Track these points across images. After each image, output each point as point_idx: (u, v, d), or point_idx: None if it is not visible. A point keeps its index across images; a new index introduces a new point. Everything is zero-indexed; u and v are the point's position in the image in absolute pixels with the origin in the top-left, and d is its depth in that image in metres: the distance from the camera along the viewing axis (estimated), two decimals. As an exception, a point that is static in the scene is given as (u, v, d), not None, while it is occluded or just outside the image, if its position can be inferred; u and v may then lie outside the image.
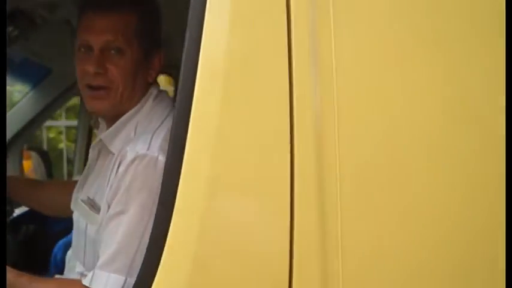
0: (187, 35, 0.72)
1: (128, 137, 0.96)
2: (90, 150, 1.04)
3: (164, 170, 0.72)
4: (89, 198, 0.99)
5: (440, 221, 0.72)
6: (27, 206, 1.44)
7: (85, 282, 0.87)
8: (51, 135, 4.81)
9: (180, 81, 0.72)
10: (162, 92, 1.03)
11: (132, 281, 0.79)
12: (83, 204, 0.99)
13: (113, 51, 0.95)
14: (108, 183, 0.92)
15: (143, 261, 0.72)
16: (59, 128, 4.70)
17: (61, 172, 4.34)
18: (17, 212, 1.50)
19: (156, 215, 0.71)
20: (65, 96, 1.94)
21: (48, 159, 2.07)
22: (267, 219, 0.71)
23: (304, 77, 0.71)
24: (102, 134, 1.00)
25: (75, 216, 1.03)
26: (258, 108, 0.71)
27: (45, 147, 4.18)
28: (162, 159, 0.85)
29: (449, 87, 0.73)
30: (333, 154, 0.70)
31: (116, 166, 0.91)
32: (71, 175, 2.58)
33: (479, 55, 0.74)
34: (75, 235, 1.02)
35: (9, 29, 1.44)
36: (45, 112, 1.88)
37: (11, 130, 1.83)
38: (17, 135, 1.84)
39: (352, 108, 0.71)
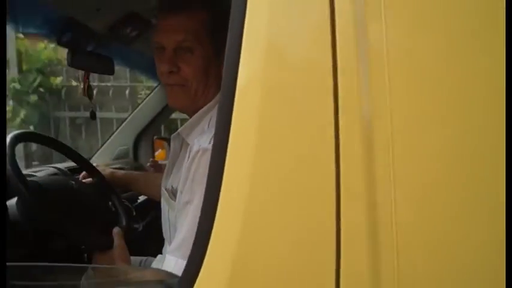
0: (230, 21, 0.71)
1: (203, 130, 1.00)
2: (171, 141, 1.11)
3: (209, 165, 0.72)
4: (172, 187, 1.06)
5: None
6: (147, 196, 1.58)
7: (161, 264, 0.95)
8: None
9: (224, 78, 0.72)
10: None
11: None
12: (166, 192, 1.07)
13: (184, 50, 0.99)
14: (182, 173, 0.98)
15: (191, 251, 0.72)
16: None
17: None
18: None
19: (202, 209, 0.72)
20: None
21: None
22: (311, 221, 0.66)
23: (351, 74, 0.64)
24: (181, 127, 1.06)
25: (162, 202, 1.12)
26: (299, 109, 0.66)
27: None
28: None
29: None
30: (385, 159, 0.62)
31: (187, 157, 0.96)
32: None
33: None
34: (162, 220, 1.11)
35: (128, 29, 1.60)
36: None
37: (142, 121, 2.04)
38: (148, 126, 2.03)
39: (409, 108, 0.63)
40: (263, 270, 0.67)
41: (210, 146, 0.89)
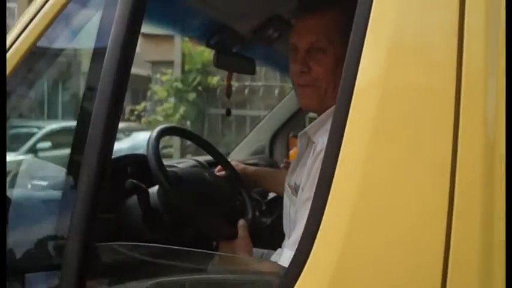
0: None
1: (328, 129, 1.00)
2: (298, 139, 1.13)
3: (322, 163, 0.72)
4: (295, 183, 1.08)
5: None
6: (273, 192, 1.62)
7: (278, 258, 0.97)
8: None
9: (343, 76, 0.71)
10: None
11: None
12: (289, 188, 1.09)
13: (316, 51, 1.00)
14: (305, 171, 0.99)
15: (298, 245, 0.73)
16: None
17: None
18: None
19: (311, 205, 0.73)
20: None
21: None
22: (420, 223, 0.63)
23: (477, 77, 0.60)
24: (308, 126, 1.07)
25: (284, 198, 1.14)
26: (418, 112, 0.64)
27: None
28: None
29: None
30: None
31: (311, 155, 0.97)
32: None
33: None
34: (283, 215, 1.14)
35: (270, 31, 1.65)
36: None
37: (279, 120, 2.10)
38: (284, 124, 2.09)
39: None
40: (366, 273, 0.66)
41: None
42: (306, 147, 1.11)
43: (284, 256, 0.93)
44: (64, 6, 0.99)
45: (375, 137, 0.66)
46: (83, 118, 0.95)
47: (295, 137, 2.21)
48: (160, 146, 1.22)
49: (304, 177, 0.98)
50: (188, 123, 6.51)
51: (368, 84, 0.68)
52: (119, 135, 7.27)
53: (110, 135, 0.88)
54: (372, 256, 0.65)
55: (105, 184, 0.88)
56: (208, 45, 1.67)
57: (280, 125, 2.08)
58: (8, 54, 1.00)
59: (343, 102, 0.69)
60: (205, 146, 1.44)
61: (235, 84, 6.61)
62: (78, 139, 0.98)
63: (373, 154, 0.66)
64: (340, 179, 0.68)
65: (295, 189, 1.06)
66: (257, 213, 1.49)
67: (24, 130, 6.88)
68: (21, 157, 6.01)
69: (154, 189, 1.19)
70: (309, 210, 0.89)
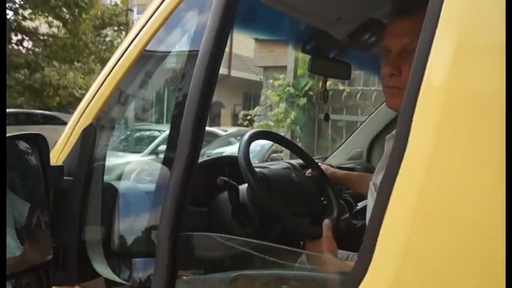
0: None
1: None
2: (386, 142, 1.13)
3: (387, 162, 0.73)
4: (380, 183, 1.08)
5: None
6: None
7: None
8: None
9: (410, 77, 0.72)
10: None
11: None
12: (373, 186, 1.10)
13: (408, 54, 1.00)
14: None
15: (361, 245, 0.74)
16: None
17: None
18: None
19: (374, 204, 0.72)
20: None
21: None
22: (481, 223, 0.61)
23: None
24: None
25: (368, 197, 1.15)
26: (482, 109, 0.63)
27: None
28: None
29: None
30: None
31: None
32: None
33: None
34: (367, 213, 1.14)
35: (366, 36, 1.65)
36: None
37: (378, 125, 2.07)
38: (384, 129, 2.06)
39: None
40: (428, 274, 0.65)
41: None
42: None
43: None
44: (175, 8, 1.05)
45: (439, 137, 0.66)
46: (176, 120, 1.04)
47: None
48: (270, 151, 1.29)
49: None
50: (298, 128, 6.58)
51: (434, 84, 0.68)
52: (230, 139, 7.61)
53: (198, 135, 0.96)
54: (434, 257, 0.64)
55: (193, 180, 0.96)
56: (303, 51, 1.71)
57: (379, 131, 2.05)
58: (123, 57, 1.10)
59: (410, 100, 0.69)
60: (294, 149, 1.50)
61: (347, 89, 6.56)
62: (171, 139, 1.08)
63: (437, 154, 0.66)
64: (403, 179, 0.68)
65: (376, 189, 1.07)
66: (347, 215, 1.51)
67: (147, 133, 7.49)
68: (144, 158, 6.56)
69: (244, 187, 1.27)
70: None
